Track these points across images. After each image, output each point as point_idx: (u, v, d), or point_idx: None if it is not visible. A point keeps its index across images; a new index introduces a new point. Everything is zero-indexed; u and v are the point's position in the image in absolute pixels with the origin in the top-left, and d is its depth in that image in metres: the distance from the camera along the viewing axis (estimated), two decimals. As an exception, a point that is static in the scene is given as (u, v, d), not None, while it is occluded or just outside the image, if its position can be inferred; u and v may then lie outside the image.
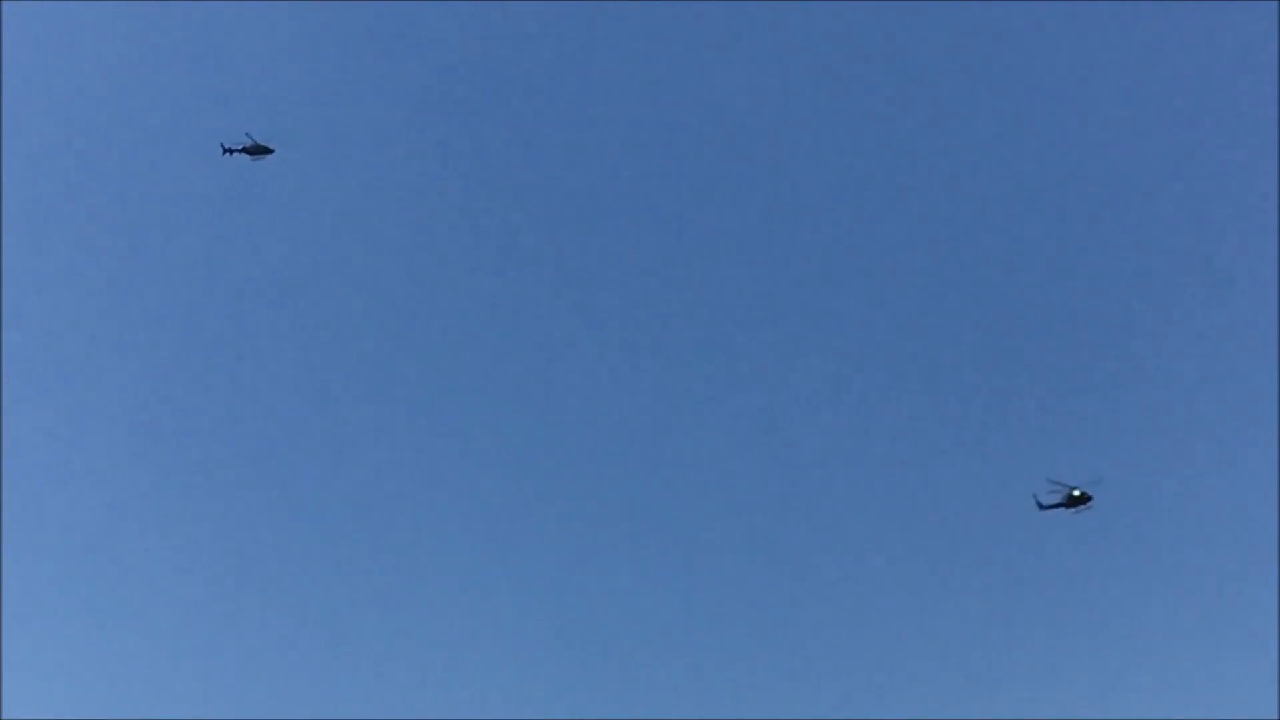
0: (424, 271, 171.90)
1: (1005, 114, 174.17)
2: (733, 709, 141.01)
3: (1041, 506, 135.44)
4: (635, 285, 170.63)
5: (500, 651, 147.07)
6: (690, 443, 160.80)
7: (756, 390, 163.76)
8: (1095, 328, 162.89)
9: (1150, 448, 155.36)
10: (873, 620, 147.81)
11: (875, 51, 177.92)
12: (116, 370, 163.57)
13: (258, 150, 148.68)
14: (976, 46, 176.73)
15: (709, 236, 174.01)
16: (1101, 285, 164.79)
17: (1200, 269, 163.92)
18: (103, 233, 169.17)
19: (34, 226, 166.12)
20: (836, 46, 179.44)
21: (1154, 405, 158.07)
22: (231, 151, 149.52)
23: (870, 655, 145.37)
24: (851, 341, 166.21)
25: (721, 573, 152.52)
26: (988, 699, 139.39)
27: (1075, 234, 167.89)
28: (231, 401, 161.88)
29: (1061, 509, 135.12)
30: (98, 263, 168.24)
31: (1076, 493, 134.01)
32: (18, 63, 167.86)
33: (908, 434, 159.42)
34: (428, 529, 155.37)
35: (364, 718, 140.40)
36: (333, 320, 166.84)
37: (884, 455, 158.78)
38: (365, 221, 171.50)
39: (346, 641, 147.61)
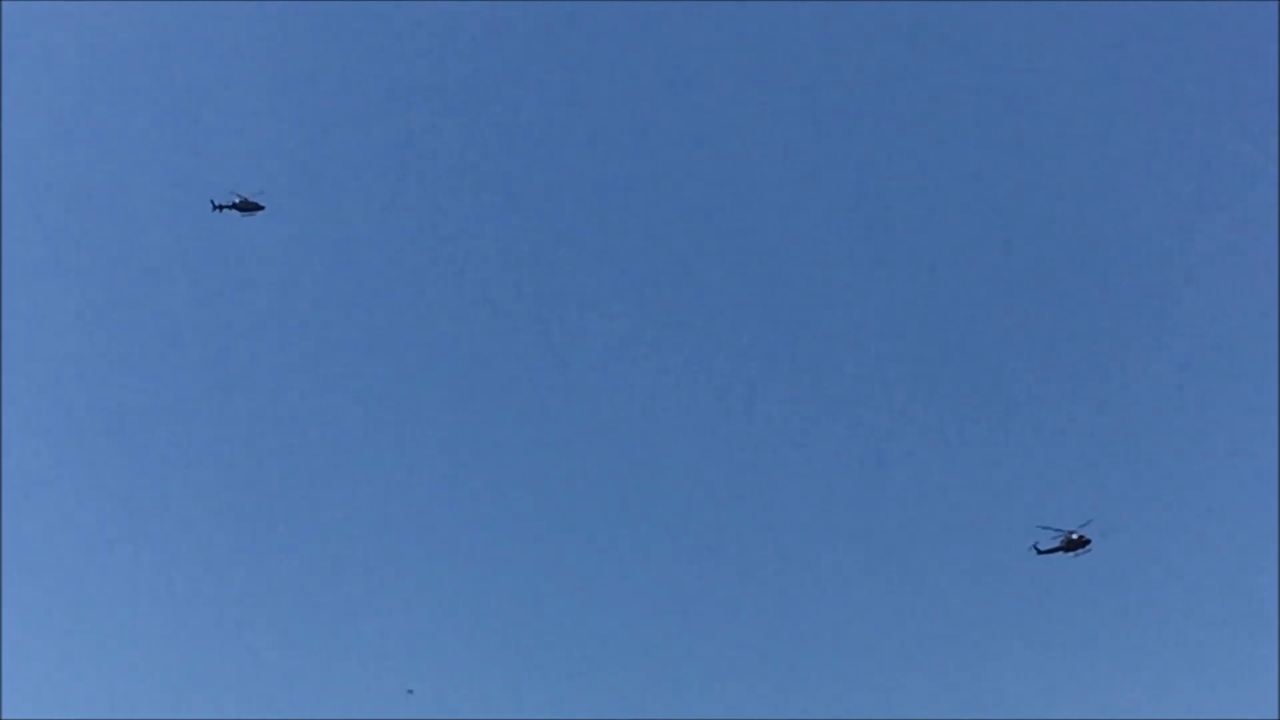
0: (419, 273, 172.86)
1: (1004, 116, 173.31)
2: (732, 709, 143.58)
3: (1040, 551, 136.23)
4: (633, 287, 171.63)
5: (499, 651, 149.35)
6: (689, 444, 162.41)
7: (756, 395, 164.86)
8: (1093, 328, 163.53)
9: (1151, 446, 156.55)
10: (874, 622, 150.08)
11: (876, 51, 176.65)
12: (115, 372, 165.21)
13: (248, 207, 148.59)
14: (976, 47, 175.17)
15: (708, 239, 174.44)
16: (1100, 288, 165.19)
17: (1200, 271, 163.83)
18: (100, 233, 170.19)
19: (32, 227, 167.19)
20: (836, 47, 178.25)
21: (1154, 404, 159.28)
22: (221, 208, 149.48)
23: (870, 657, 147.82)
24: (848, 343, 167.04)
25: (719, 574, 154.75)
26: (988, 699, 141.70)
27: (1075, 236, 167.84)
28: (231, 404, 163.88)
29: (1060, 553, 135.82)
30: (95, 264, 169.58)
31: (1075, 536, 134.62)
32: (18, 63, 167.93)
33: (908, 435, 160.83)
34: (426, 531, 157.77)
35: (364, 718, 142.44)
36: (331, 321, 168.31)
37: (884, 456, 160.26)
38: (361, 221, 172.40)
39: (346, 642, 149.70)
